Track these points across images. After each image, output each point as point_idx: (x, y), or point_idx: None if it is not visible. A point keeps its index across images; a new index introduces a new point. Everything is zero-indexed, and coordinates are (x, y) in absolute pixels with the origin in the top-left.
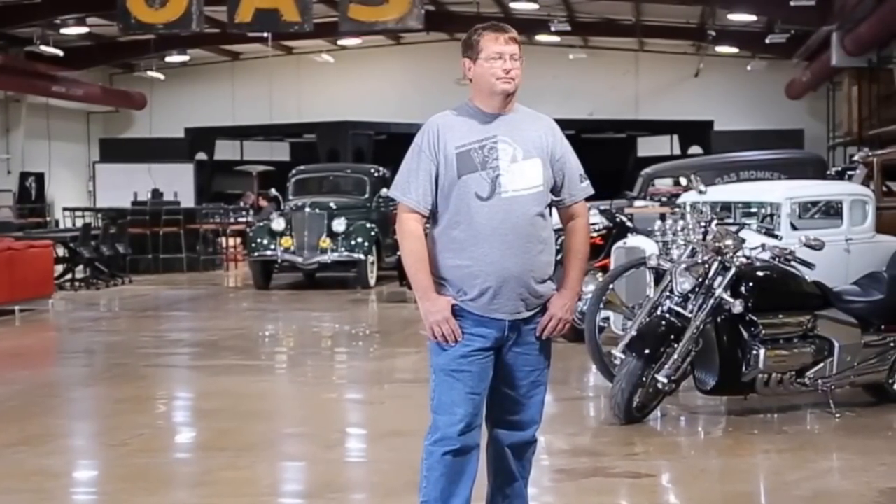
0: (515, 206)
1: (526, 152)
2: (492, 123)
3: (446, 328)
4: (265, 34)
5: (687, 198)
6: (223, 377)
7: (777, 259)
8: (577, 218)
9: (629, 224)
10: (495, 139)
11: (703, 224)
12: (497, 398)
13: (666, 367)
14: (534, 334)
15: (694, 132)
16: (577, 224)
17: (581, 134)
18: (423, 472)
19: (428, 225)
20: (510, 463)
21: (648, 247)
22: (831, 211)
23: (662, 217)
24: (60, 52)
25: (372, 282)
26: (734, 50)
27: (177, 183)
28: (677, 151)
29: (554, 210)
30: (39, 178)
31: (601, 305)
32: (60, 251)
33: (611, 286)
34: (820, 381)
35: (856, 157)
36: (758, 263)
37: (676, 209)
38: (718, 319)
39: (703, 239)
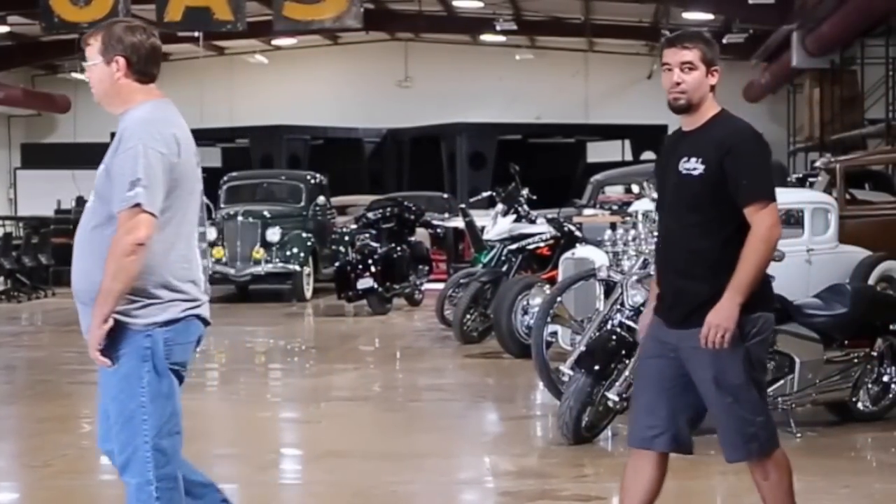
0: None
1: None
2: None
3: None
4: (196, 33)
5: (639, 206)
6: None
7: None
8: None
9: (578, 234)
10: None
11: (655, 234)
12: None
13: (617, 384)
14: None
15: (647, 137)
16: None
17: (528, 139)
18: None
19: None
20: None
21: (598, 258)
22: (792, 220)
23: (613, 226)
24: None
25: (308, 294)
26: None
27: None
28: (629, 157)
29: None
30: None
31: (548, 319)
32: None
33: (558, 299)
34: (780, 399)
35: (817, 164)
36: None
37: (628, 218)
38: None
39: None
